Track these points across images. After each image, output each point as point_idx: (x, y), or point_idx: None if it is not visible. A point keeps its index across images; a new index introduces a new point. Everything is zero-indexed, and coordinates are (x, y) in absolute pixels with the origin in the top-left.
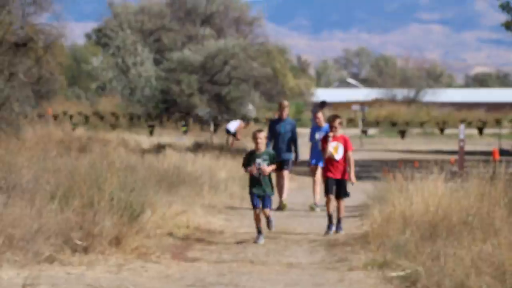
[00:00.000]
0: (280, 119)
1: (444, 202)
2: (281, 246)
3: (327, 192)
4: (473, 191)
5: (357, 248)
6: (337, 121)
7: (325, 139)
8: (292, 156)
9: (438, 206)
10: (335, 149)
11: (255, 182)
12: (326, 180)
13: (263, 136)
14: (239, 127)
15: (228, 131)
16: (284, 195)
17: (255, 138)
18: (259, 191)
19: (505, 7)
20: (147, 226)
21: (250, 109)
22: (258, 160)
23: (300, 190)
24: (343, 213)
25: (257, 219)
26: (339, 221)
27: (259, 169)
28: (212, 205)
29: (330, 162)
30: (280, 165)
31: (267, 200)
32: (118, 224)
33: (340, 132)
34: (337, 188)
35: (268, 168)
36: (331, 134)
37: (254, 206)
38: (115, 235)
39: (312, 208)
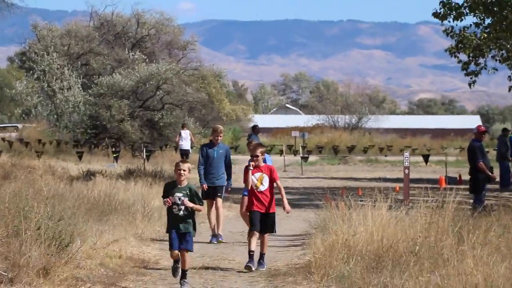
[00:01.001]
0: (213, 144)
1: (389, 231)
2: (219, 276)
3: (251, 227)
4: (419, 220)
5: (299, 279)
6: (259, 150)
7: (246, 170)
8: (225, 182)
9: (383, 235)
10: (260, 180)
11: (174, 220)
12: (251, 214)
13: (186, 167)
14: (191, 138)
15: (184, 152)
16: (220, 228)
17: (177, 169)
18: (179, 230)
19: (449, 33)
20: (77, 256)
21: None
22: (178, 195)
23: (238, 218)
24: (266, 248)
25: (175, 262)
26: (261, 256)
27: (178, 204)
28: (145, 234)
29: (254, 194)
30: (213, 193)
31: (187, 241)
32: (46, 254)
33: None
34: (263, 222)
35: (189, 203)
36: (252, 163)
37: (172, 247)
38: (42, 266)
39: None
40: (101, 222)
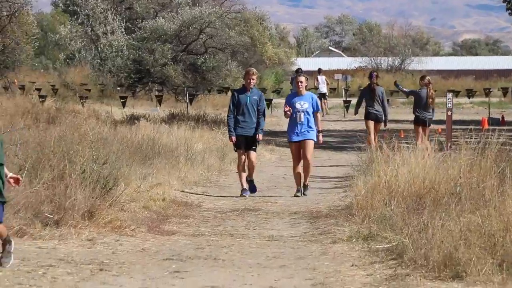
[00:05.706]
0: (245, 89)
1: (431, 172)
2: (262, 218)
3: None
4: (462, 162)
5: (340, 221)
6: None
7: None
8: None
9: (425, 177)
10: None
11: None
12: None
13: None
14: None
15: (322, 95)
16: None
17: None
18: None
19: None
20: (121, 199)
21: None
22: None
23: (280, 161)
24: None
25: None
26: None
27: None
28: (188, 177)
29: None
30: (245, 144)
31: None
32: (90, 197)
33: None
34: None
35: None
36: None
37: None
38: (87, 209)
39: (297, 195)
40: (145, 165)
